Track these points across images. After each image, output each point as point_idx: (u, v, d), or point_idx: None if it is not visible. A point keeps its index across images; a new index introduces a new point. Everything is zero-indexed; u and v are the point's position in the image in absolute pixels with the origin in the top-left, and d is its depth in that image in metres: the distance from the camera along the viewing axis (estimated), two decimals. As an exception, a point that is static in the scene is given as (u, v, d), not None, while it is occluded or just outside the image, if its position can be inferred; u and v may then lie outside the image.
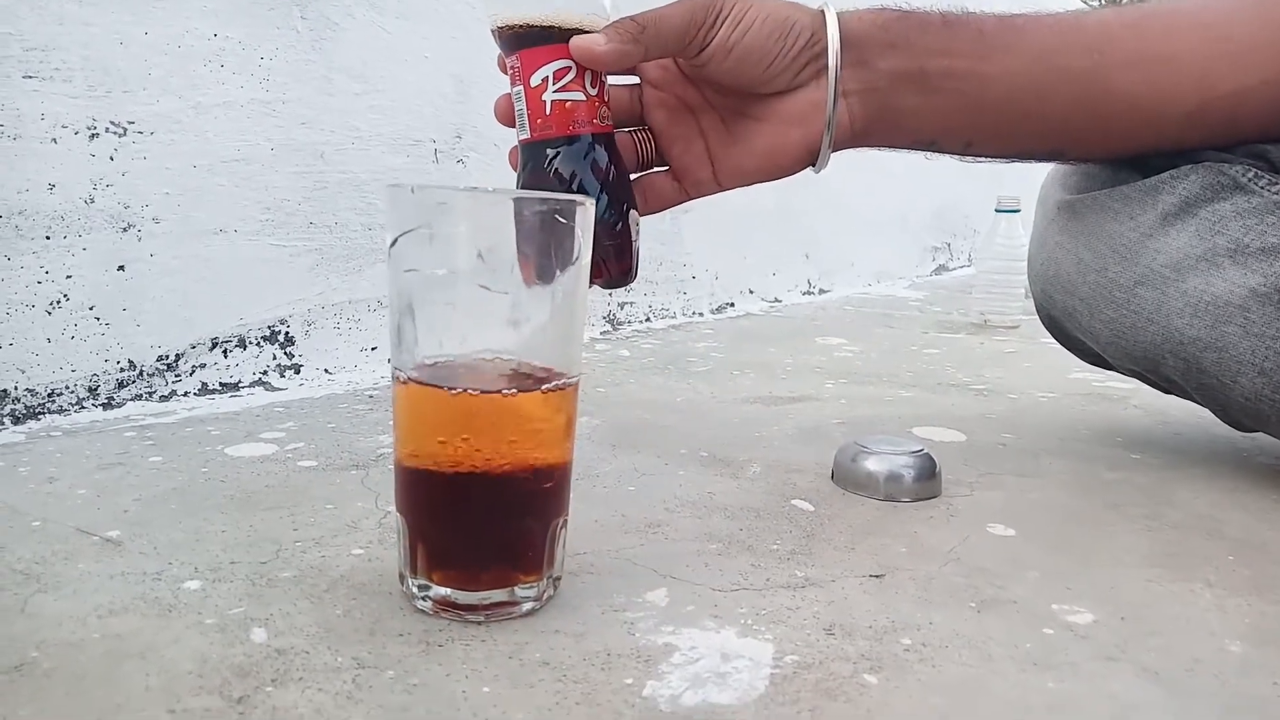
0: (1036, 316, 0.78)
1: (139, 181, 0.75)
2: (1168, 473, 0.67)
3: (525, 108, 0.52)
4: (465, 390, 0.39)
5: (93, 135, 0.72)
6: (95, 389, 0.74)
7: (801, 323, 1.44)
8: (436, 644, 0.39)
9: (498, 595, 0.41)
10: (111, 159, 0.73)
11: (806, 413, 0.83)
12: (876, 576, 0.47)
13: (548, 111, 0.51)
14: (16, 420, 0.69)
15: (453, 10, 0.99)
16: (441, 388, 0.39)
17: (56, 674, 0.36)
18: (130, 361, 0.76)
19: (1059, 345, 0.78)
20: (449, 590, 0.41)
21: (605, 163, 0.53)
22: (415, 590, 0.41)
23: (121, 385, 0.76)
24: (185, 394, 0.80)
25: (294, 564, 0.46)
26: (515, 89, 0.52)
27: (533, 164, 0.53)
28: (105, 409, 0.74)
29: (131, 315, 0.76)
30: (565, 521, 0.43)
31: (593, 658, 0.38)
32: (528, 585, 0.41)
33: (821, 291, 1.81)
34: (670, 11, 0.53)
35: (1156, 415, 0.85)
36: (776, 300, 1.65)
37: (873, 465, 0.59)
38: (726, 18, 0.53)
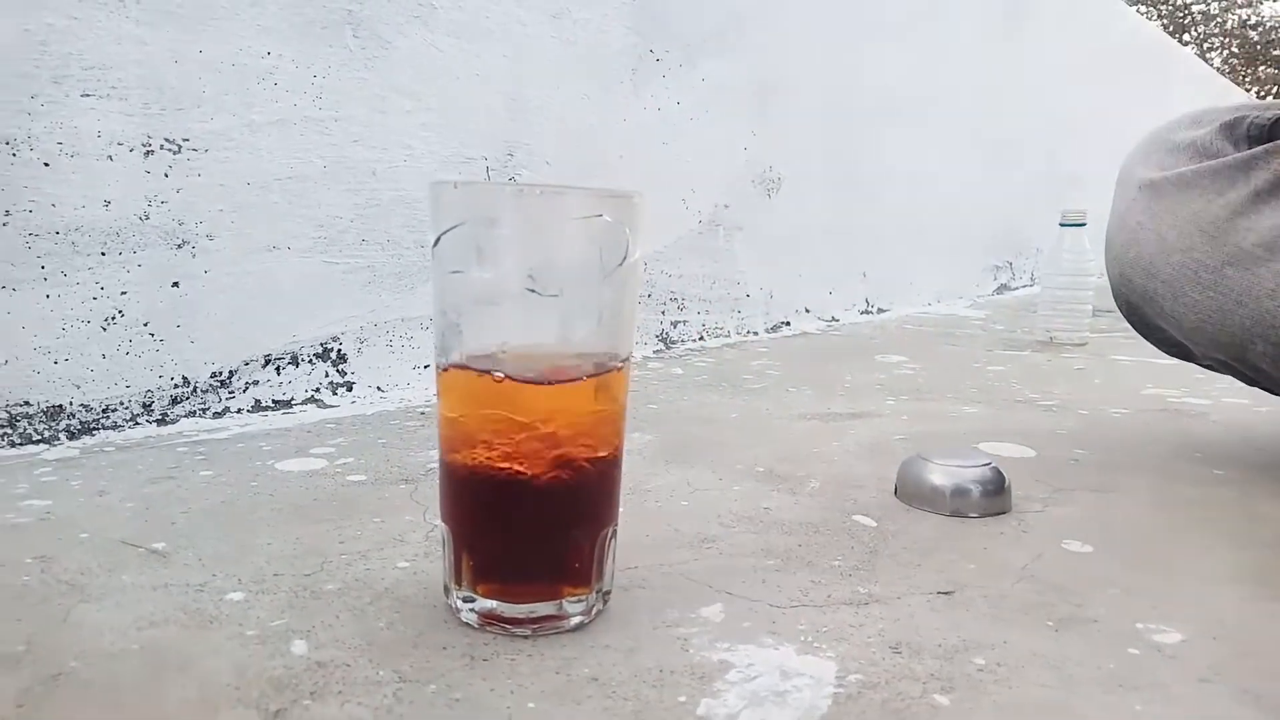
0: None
1: (193, 198, 0.75)
2: (1254, 488, 0.63)
3: None
4: (508, 378, 0.38)
5: (148, 152, 0.72)
6: (149, 405, 0.74)
7: (860, 341, 1.41)
8: (481, 658, 0.37)
9: (544, 608, 0.39)
10: (166, 176, 0.73)
11: (867, 429, 0.80)
12: (945, 594, 0.45)
13: None
14: (71, 435, 0.70)
15: (505, 29, 0.99)
16: (488, 373, 0.38)
17: (94, 684, 0.35)
18: (184, 378, 0.76)
19: (1136, 343, 0.75)
20: (495, 603, 0.39)
21: None
22: (460, 603, 0.40)
23: (175, 401, 0.76)
24: (239, 410, 0.80)
25: (338, 576, 0.45)
26: None
27: None
28: (159, 425, 0.74)
29: (185, 331, 0.76)
30: (614, 531, 0.41)
31: (644, 674, 0.36)
32: (576, 599, 0.40)
33: (880, 310, 1.77)
34: None
35: (1238, 431, 0.80)
36: (833, 319, 1.63)
37: (939, 479, 0.57)
38: None
